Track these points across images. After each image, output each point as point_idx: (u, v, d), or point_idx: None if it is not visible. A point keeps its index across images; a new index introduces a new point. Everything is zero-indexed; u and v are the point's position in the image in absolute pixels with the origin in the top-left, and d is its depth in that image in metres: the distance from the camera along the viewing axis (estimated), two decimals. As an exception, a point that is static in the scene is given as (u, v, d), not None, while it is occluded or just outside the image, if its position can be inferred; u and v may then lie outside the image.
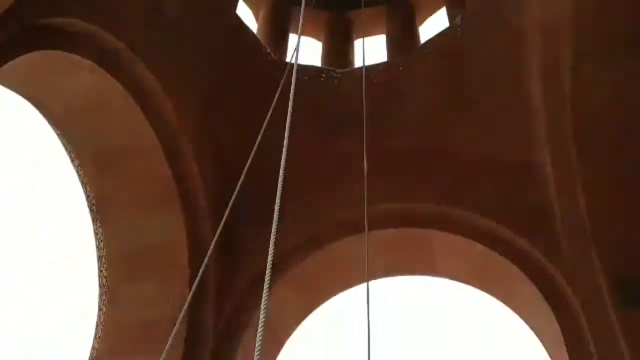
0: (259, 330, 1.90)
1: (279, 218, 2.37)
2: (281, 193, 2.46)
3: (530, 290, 5.06)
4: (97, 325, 5.11)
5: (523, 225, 5.23)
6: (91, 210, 5.28)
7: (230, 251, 5.49)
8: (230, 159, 5.83)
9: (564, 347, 4.57)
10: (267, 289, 2.04)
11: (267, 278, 2.09)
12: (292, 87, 3.05)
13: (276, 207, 2.39)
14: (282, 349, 5.56)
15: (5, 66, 3.88)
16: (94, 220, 5.30)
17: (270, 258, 2.17)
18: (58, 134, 5.04)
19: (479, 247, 5.37)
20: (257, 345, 1.87)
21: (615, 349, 4.23)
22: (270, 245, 2.23)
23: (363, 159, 4.37)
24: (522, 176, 5.45)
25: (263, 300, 2.00)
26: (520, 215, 5.29)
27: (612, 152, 4.83)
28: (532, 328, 5.37)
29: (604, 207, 4.81)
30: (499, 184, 5.49)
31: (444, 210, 5.53)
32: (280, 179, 2.50)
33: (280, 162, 2.59)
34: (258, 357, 1.82)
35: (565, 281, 4.81)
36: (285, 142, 2.70)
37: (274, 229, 2.27)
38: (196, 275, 5.15)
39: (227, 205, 3.25)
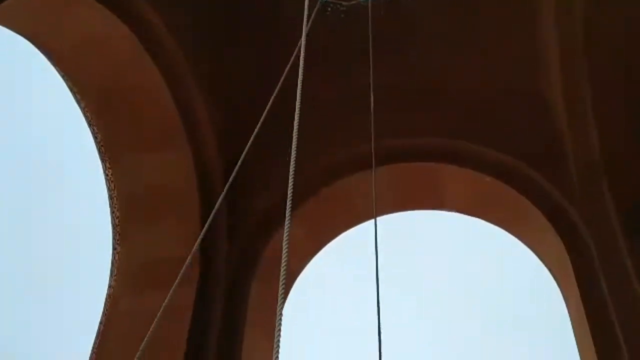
0: (283, 258, 1.95)
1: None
2: (297, 128, 2.48)
3: (539, 221, 5.09)
4: (112, 264, 5.22)
5: (533, 157, 5.22)
6: (99, 152, 5.29)
7: (239, 190, 5.53)
8: (237, 96, 5.79)
9: (573, 277, 4.63)
10: (288, 217, 2.09)
11: (288, 207, 2.11)
12: (305, 19, 2.97)
13: (294, 139, 2.40)
14: (293, 285, 5.67)
15: (3, 5, 3.82)
16: (102, 161, 5.32)
17: (290, 186, 2.19)
18: (63, 76, 5.00)
19: (488, 179, 5.37)
20: (281, 272, 1.92)
21: (624, 277, 4.28)
22: (290, 172, 2.24)
23: (370, 93, 4.32)
24: (533, 108, 5.42)
25: (285, 228, 2.15)
26: (531, 146, 5.28)
27: (626, 82, 4.76)
28: (540, 258, 5.43)
29: (615, 138, 4.78)
30: (509, 116, 5.46)
31: (453, 144, 5.51)
32: (297, 112, 2.49)
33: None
34: (283, 279, 1.86)
35: (575, 211, 4.83)
36: (300, 76, 2.68)
37: (292, 159, 2.28)
38: (206, 213, 5.26)
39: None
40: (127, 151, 5.31)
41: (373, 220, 3.88)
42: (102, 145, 5.24)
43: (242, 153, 5.90)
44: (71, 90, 5.09)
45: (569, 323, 4.86)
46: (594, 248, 4.56)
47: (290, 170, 2.29)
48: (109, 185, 5.35)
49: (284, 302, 1.92)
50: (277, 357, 1.70)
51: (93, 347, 4.65)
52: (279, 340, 1.76)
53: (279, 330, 1.81)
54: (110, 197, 5.32)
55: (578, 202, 4.83)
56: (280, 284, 1.92)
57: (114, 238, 5.30)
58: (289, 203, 2.20)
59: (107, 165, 5.30)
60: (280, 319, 1.82)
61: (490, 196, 5.52)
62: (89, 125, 5.22)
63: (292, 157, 2.34)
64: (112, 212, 5.28)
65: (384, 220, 5.82)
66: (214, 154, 5.41)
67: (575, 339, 4.71)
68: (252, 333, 4.97)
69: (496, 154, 5.35)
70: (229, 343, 4.80)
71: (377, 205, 3.96)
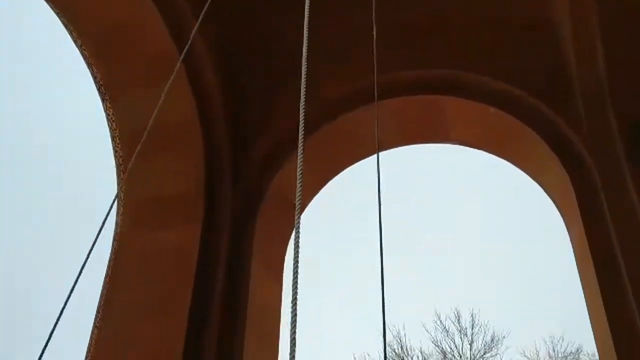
0: (298, 184, 1.96)
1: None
2: (306, 63, 2.46)
3: (544, 151, 5.07)
4: (117, 202, 5.26)
5: (538, 87, 5.15)
6: (99, 91, 5.24)
7: (242, 127, 5.51)
8: (237, 33, 5.68)
9: (577, 208, 4.65)
10: (301, 141, 2.15)
11: (300, 129, 2.11)
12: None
13: (303, 66, 2.35)
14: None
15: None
16: (103, 100, 5.27)
17: (302, 110, 2.17)
18: (57, 14, 4.89)
19: (492, 110, 5.32)
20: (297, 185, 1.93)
21: (628, 208, 4.29)
22: (302, 102, 2.22)
23: (372, 25, 4.21)
24: (538, 36, 5.31)
25: (299, 155, 2.20)
26: (536, 76, 5.20)
27: (635, 8, 4.63)
28: (544, 189, 5.45)
29: (623, 66, 4.70)
30: (513, 45, 5.36)
31: (457, 75, 5.43)
32: (305, 42, 2.46)
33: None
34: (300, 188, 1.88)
35: (581, 141, 4.80)
36: (307, 12, 2.62)
37: (303, 84, 2.27)
38: (209, 150, 5.26)
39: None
40: (127, 89, 5.25)
41: (376, 155, 3.87)
42: (101, 85, 5.18)
43: (244, 88, 5.86)
44: (66, 27, 4.98)
45: (572, 254, 4.92)
46: (598, 178, 4.55)
47: (302, 90, 2.27)
48: (110, 124, 5.32)
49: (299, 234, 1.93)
50: (296, 295, 1.72)
51: (103, 287, 4.74)
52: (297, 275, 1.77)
53: (297, 260, 1.81)
54: (113, 137, 5.31)
55: (583, 131, 4.80)
56: (296, 214, 1.93)
57: (118, 177, 5.32)
58: (301, 127, 2.20)
59: (108, 104, 5.26)
60: (298, 253, 1.83)
61: (494, 127, 5.48)
62: (87, 64, 5.14)
63: (303, 81, 2.33)
64: (115, 151, 5.28)
65: (387, 155, 5.82)
66: (216, 91, 5.36)
67: (578, 270, 4.77)
68: (258, 269, 5.05)
69: (501, 85, 5.28)
70: (236, 279, 4.88)
71: (380, 140, 3.94)
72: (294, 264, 1.76)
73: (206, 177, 5.19)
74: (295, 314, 1.60)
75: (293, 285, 1.70)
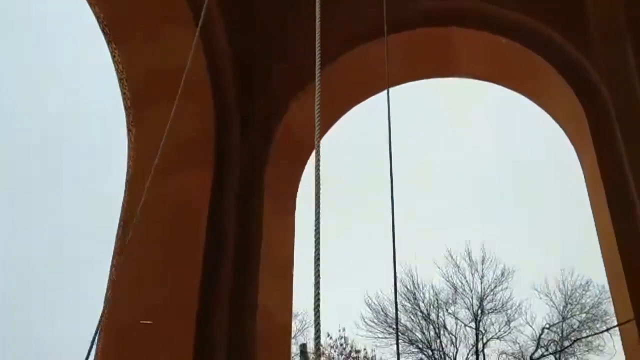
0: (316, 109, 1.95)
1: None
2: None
3: (557, 81, 4.99)
4: (128, 146, 5.26)
5: (552, 16, 5.02)
6: (104, 33, 5.16)
7: (249, 70, 5.45)
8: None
9: (589, 137, 4.60)
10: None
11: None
12: None
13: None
14: (308, 159, 5.72)
15: None
16: (108, 42, 5.20)
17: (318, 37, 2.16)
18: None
19: (503, 41, 5.21)
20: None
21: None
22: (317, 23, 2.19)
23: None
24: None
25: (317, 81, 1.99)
26: (550, 4, 5.07)
27: None
28: (557, 119, 5.39)
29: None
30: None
31: (467, 6, 5.30)
32: None
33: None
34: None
35: (594, 70, 4.71)
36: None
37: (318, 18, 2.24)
38: (217, 93, 5.22)
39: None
40: (132, 30, 5.17)
41: (386, 91, 3.82)
42: (105, 26, 5.10)
43: (252, 31, 5.74)
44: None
45: (582, 189, 4.91)
46: (612, 108, 4.49)
47: (317, 21, 2.23)
48: (117, 67, 5.27)
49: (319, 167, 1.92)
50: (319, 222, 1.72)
51: (117, 233, 4.80)
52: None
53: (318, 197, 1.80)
54: (120, 79, 5.26)
55: (597, 59, 4.70)
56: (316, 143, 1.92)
57: (127, 120, 5.30)
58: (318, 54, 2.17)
59: (113, 46, 5.19)
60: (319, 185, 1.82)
61: (506, 59, 5.39)
62: (90, 5, 5.05)
63: (317, 15, 2.28)
64: (123, 94, 5.24)
65: (397, 91, 5.75)
66: (223, 35, 5.27)
67: (590, 200, 4.77)
68: (270, 208, 5.10)
69: (512, 14, 5.15)
70: (249, 219, 4.94)
71: (390, 75, 3.88)
72: (315, 188, 1.75)
73: (215, 120, 5.17)
74: (319, 242, 1.61)
75: (316, 212, 1.70)
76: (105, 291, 4.49)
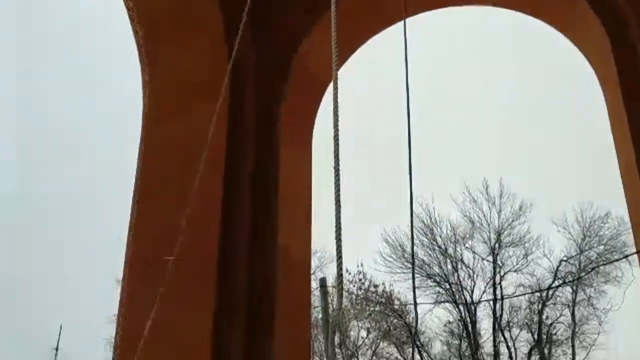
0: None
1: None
2: None
3: (583, 10, 4.81)
4: (143, 88, 5.23)
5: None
6: (112, -32, 5.05)
7: (265, 6, 5.34)
8: None
9: (615, 70, 4.48)
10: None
11: None
12: None
13: None
14: (324, 94, 5.65)
15: None
16: (117, -22, 5.09)
17: None
18: None
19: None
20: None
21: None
22: None
23: None
24: None
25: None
26: None
27: None
28: (583, 52, 5.22)
29: None
30: None
31: None
32: None
33: None
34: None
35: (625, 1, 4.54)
36: None
37: None
38: (230, 28, 5.12)
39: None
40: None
41: (402, 23, 3.73)
42: (113, -39, 4.98)
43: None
44: None
45: (602, 121, 4.81)
46: (637, 36, 4.35)
47: None
48: (127, 4, 5.17)
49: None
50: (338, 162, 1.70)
51: (137, 169, 4.83)
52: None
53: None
54: (131, 17, 5.18)
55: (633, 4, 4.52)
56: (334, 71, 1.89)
57: (140, 61, 5.25)
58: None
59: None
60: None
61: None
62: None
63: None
64: (135, 32, 5.17)
65: (413, 21, 5.59)
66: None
67: (612, 130, 4.69)
68: (286, 143, 5.09)
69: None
70: (265, 155, 4.95)
71: (407, 4, 3.77)
72: (333, 119, 1.73)
73: (229, 56, 5.09)
74: (338, 172, 1.60)
75: (335, 144, 1.69)
76: (128, 229, 4.57)
